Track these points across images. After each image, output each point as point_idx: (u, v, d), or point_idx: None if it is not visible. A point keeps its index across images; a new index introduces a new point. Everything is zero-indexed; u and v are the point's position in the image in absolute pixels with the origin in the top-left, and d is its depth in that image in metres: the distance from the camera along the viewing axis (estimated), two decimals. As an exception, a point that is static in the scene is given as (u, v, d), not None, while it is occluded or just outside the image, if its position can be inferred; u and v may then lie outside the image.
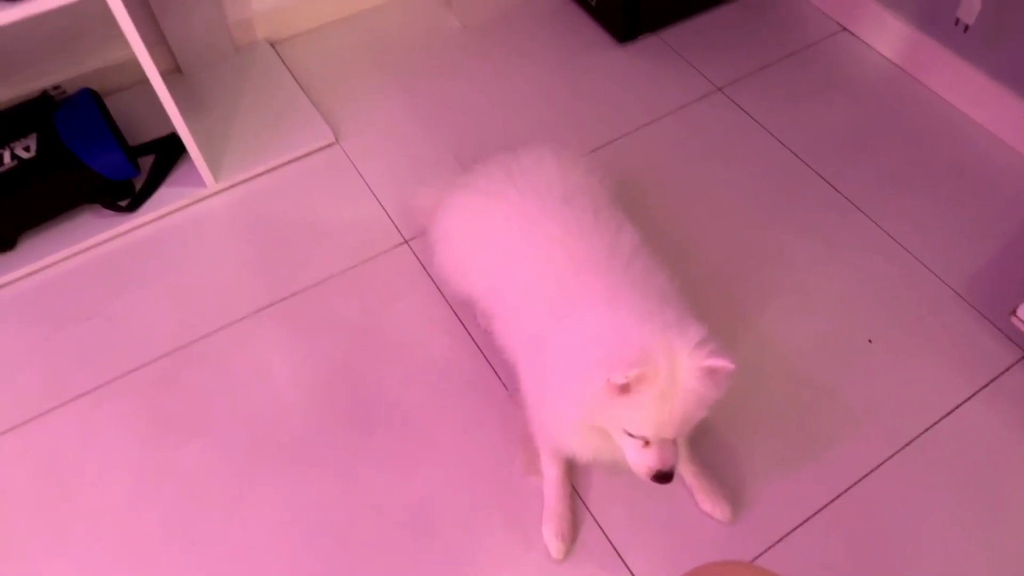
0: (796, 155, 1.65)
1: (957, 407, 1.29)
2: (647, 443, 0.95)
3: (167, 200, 1.57)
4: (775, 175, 1.62)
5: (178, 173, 1.61)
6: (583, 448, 1.06)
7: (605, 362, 0.89)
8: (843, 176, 1.61)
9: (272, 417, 1.30)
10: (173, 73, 1.79)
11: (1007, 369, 1.32)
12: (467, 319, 1.40)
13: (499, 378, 1.33)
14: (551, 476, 1.19)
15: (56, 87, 1.60)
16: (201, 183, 1.58)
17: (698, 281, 1.42)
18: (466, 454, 1.25)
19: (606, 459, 1.05)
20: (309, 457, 1.25)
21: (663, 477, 0.96)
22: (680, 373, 0.90)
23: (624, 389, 0.88)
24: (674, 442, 0.97)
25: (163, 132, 1.61)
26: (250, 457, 1.26)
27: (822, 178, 1.61)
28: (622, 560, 1.15)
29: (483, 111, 1.75)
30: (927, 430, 1.26)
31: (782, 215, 1.55)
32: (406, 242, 1.53)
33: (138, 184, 1.57)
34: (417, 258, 1.50)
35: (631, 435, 0.94)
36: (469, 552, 1.16)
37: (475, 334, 1.38)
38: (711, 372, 0.90)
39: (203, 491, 1.22)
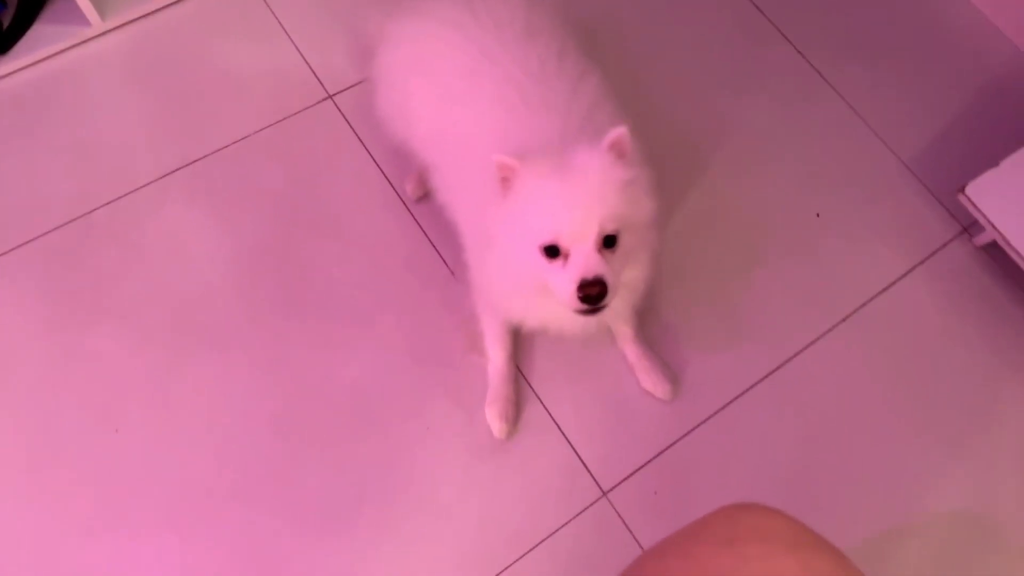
0: (762, 12, 1.53)
1: (894, 283, 1.30)
2: (566, 260, 0.86)
3: (44, 40, 1.35)
4: (739, 33, 1.51)
5: (55, 8, 1.37)
6: (526, 309, 1.01)
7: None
8: (808, 38, 1.51)
9: (192, 295, 1.20)
10: None
11: (944, 245, 1.34)
12: (404, 189, 1.29)
13: (440, 255, 1.25)
14: (495, 358, 1.16)
15: None
16: (84, 21, 1.35)
17: (652, 140, 1.34)
18: (405, 334, 1.20)
19: (551, 324, 1.02)
20: (235, 340, 1.18)
21: (590, 287, 0.83)
22: (580, 156, 0.85)
23: (507, 173, 0.85)
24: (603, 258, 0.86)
25: (29, -47, 1.34)
26: (170, 337, 1.17)
27: (787, 40, 1.51)
28: (564, 436, 1.15)
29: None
30: (863, 305, 1.28)
31: (741, 76, 1.46)
32: (330, 97, 1.37)
33: (6, 21, 1.33)
34: (344, 117, 1.35)
35: (550, 256, 0.86)
36: (412, 434, 1.14)
37: (412, 207, 1.28)
38: (615, 147, 0.86)
39: (121, 378, 1.14)
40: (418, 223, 1.27)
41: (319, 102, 1.36)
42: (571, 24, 1.11)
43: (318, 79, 1.38)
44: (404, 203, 1.29)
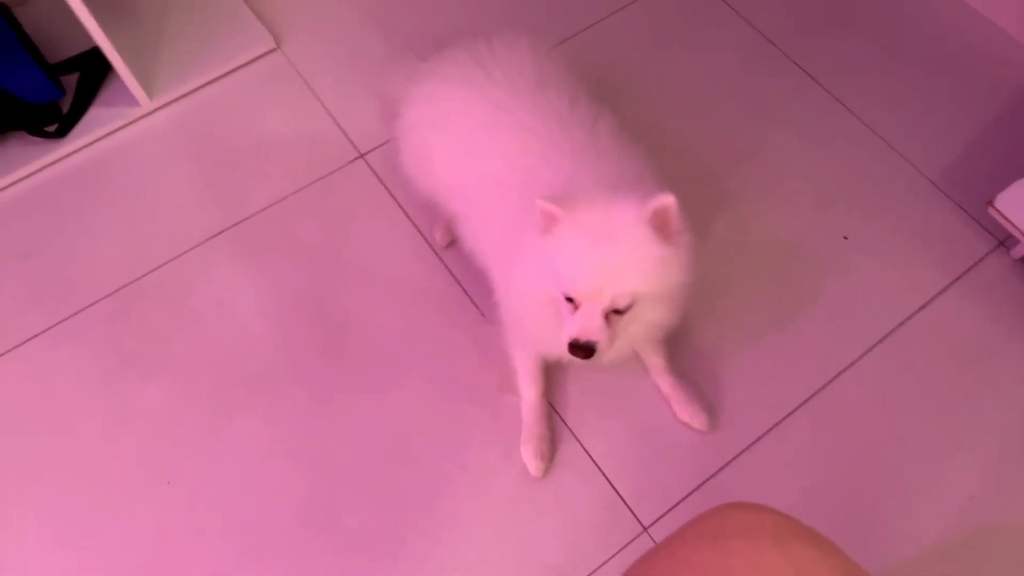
0: (770, 41, 1.56)
1: (931, 300, 1.28)
2: (576, 308, 0.89)
3: (99, 122, 1.45)
4: (750, 64, 1.54)
5: (108, 92, 1.48)
6: (553, 337, 1.01)
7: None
8: (818, 62, 1.53)
9: (237, 349, 1.25)
10: (89, -24, 1.61)
11: (981, 259, 1.31)
12: (433, 237, 1.34)
13: (469, 297, 1.29)
14: (528, 395, 1.17)
15: (-44, 0, 1.43)
16: (134, 102, 1.46)
17: (671, 176, 1.36)
18: (440, 376, 1.23)
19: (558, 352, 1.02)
20: (280, 388, 1.22)
21: (579, 348, 0.88)
22: (619, 221, 0.86)
23: (548, 219, 0.86)
24: (611, 325, 0.89)
25: (86, 46, 1.46)
26: (219, 391, 1.22)
27: (797, 65, 1.53)
28: (601, 472, 1.15)
29: (437, 2, 1.61)
30: (901, 325, 1.26)
31: (756, 105, 1.48)
32: (361, 156, 1.44)
33: (65, 106, 1.45)
34: (375, 173, 1.42)
35: (568, 299, 0.89)
36: (449, 473, 1.15)
37: (442, 254, 1.33)
38: (658, 216, 0.85)
39: (174, 429, 1.19)
40: (448, 268, 1.31)
41: (351, 161, 1.43)
42: (582, 70, 1.16)
43: (349, 140, 1.46)
44: (433, 250, 1.33)
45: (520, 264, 0.96)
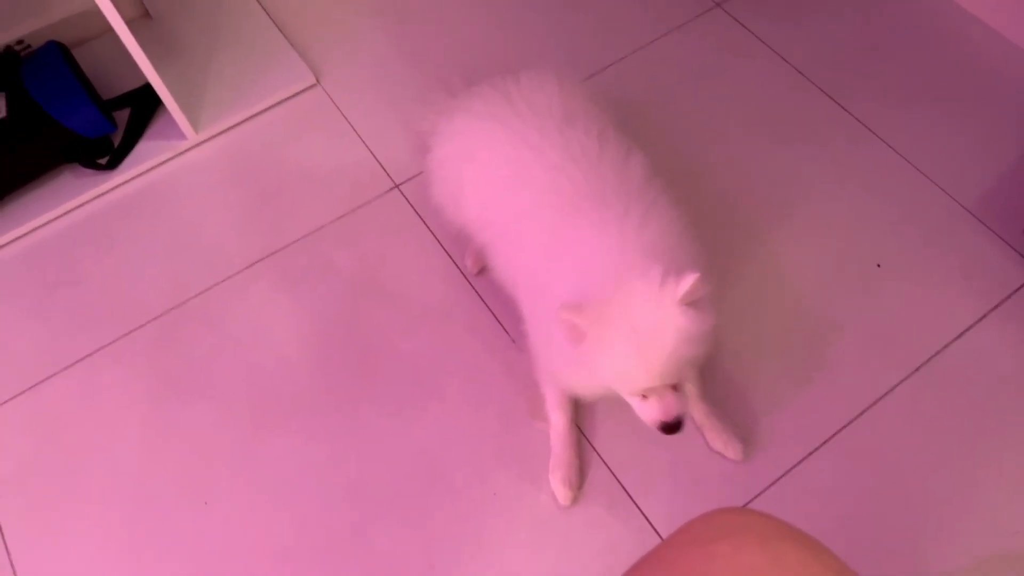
0: (801, 72, 1.57)
1: (968, 329, 1.26)
2: (645, 396, 0.92)
3: (147, 155, 1.52)
4: (780, 94, 1.55)
5: (157, 126, 1.55)
6: (589, 388, 1.04)
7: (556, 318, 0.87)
8: (850, 93, 1.53)
9: (274, 372, 1.29)
10: (142, 19, 1.70)
11: (1018, 288, 1.29)
12: (465, 264, 1.36)
13: (500, 324, 1.30)
14: (557, 423, 1.17)
15: (20, 42, 1.52)
16: (181, 135, 1.52)
17: (703, 209, 1.37)
18: (471, 401, 1.24)
19: (613, 395, 1.03)
20: (314, 412, 1.25)
21: (669, 428, 0.93)
22: (652, 314, 0.85)
23: (576, 330, 0.86)
24: (677, 389, 0.93)
25: (137, 83, 1.53)
26: (256, 413, 1.25)
27: (828, 96, 1.54)
28: (632, 500, 1.15)
29: (470, 40, 1.66)
30: (937, 354, 1.24)
31: (788, 136, 1.49)
32: (396, 187, 1.48)
33: (116, 140, 1.52)
34: (409, 203, 1.45)
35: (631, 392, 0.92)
36: (479, 498, 1.16)
37: (473, 280, 1.35)
38: (689, 298, 0.86)
39: (212, 450, 1.22)
40: (479, 295, 1.34)
41: (386, 191, 1.47)
42: (611, 104, 1.18)
43: (385, 171, 1.50)
44: (465, 277, 1.36)
45: (563, 354, 0.95)
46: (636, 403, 0.94)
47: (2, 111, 1.40)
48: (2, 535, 1.17)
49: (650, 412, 0.93)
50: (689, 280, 0.84)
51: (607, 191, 1.00)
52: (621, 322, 0.86)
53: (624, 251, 0.92)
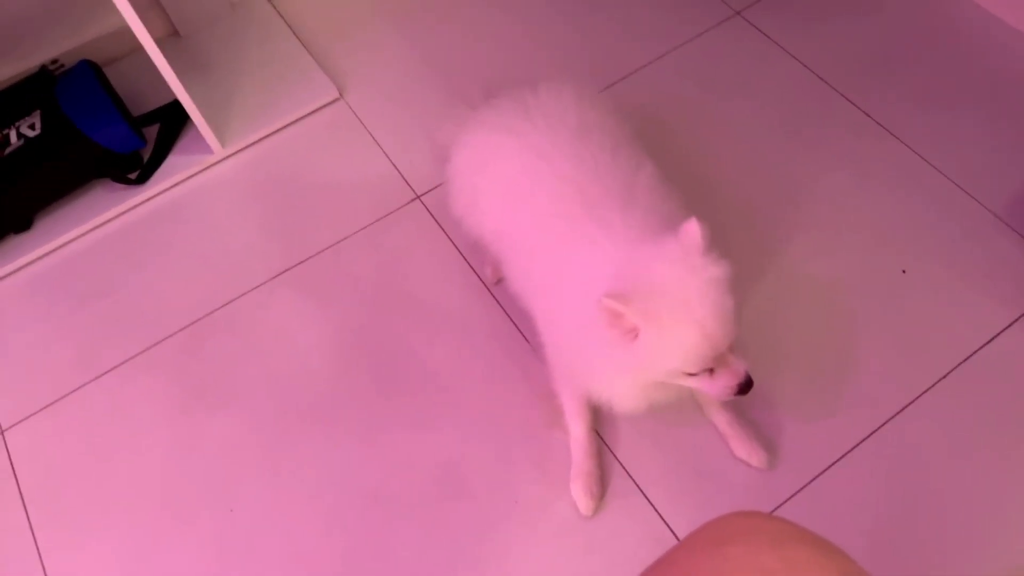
0: (822, 79, 1.56)
1: (996, 335, 1.24)
2: (711, 371, 0.91)
3: (176, 169, 1.55)
4: (801, 101, 1.54)
5: (185, 141, 1.59)
6: (623, 398, 1.02)
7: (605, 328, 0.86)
8: (872, 98, 1.52)
9: (298, 381, 1.30)
10: (171, 37, 1.75)
11: (1050, 293, 1.27)
12: (484, 273, 1.38)
13: (520, 331, 1.31)
14: (577, 433, 1.17)
15: (54, 61, 1.57)
16: (208, 150, 1.56)
17: (726, 217, 1.37)
18: (492, 408, 1.24)
19: (631, 406, 1.03)
20: (337, 420, 1.26)
21: (745, 387, 0.92)
22: (693, 280, 0.86)
23: (626, 333, 0.86)
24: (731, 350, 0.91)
25: (167, 99, 1.57)
26: (279, 422, 1.27)
27: (850, 102, 1.53)
28: (654, 509, 1.14)
29: (489, 52, 1.68)
30: (965, 360, 1.22)
31: (810, 143, 1.48)
32: (418, 198, 1.50)
33: (145, 155, 1.56)
34: (430, 213, 1.47)
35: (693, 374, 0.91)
36: (500, 506, 1.16)
37: (493, 288, 1.36)
38: (706, 243, 0.87)
39: (237, 458, 1.24)
40: (499, 303, 1.34)
41: (408, 202, 1.49)
42: (630, 113, 1.18)
43: (407, 182, 1.52)
44: (485, 285, 1.37)
45: (604, 360, 0.95)
46: (702, 382, 0.92)
47: (37, 128, 1.44)
48: (34, 540, 1.20)
49: (722, 381, 0.92)
50: (695, 227, 0.86)
51: (612, 201, 1.00)
52: (671, 301, 0.86)
53: (631, 260, 0.92)
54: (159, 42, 1.35)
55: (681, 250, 0.87)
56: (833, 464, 1.15)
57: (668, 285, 0.87)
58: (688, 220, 0.87)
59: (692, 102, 1.56)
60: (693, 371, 0.90)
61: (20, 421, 1.31)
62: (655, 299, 0.86)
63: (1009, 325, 1.24)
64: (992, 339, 1.24)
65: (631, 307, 0.84)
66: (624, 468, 1.18)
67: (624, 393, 1.00)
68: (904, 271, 1.32)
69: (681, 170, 1.09)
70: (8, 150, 1.43)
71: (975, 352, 1.23)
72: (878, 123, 1.49)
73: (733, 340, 0.90)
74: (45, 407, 1.32)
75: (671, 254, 0.88)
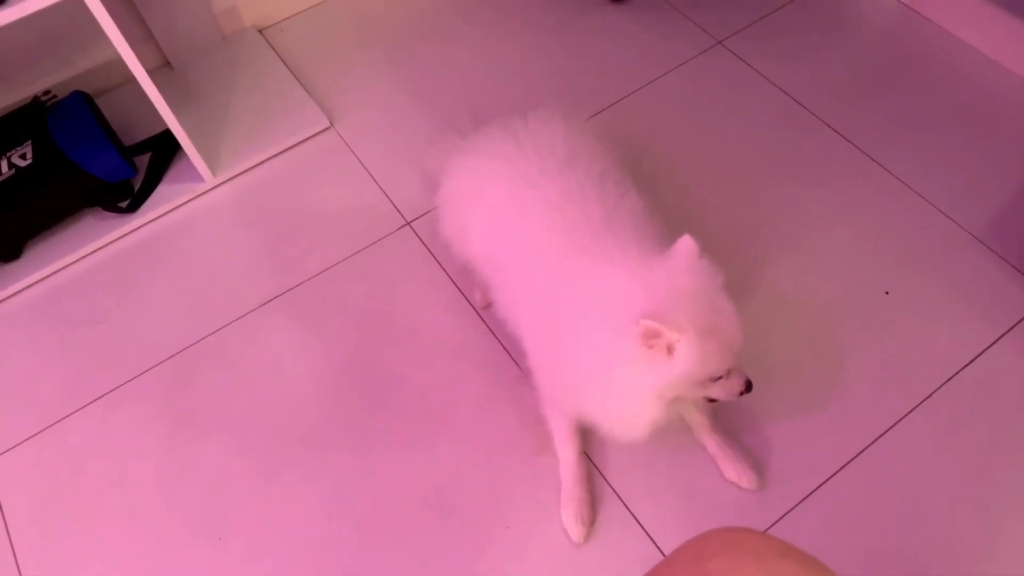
0: (803, 105, 1.60)
1: (979, 355, 1.26)
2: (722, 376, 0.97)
3: (166, 198, 1.56)
4: (782, 128, 1.58)
5: (176, 170, 1.60)
6: (635, 421, 1.01)
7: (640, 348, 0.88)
8: (852, 124, 1.56)
9: (288, 408, 1.30)
10: (163, 68, 1.77)
11: (1030, 312, 1.29)
12: (474, 297, 1.38)
13: (510, 355, 1.32)
14: (567, 458, 1.17)
15: (46, 92, 1.58)
16: (199, 178, 1.57)
17: (709, 241, 1.37)
18: (482, 433, 1.24)
19: (623, 431, 1.03)
20: (327, 445, 1.26)
21: (749, 386, 1.02)
22: (706, 288, 0.91)
23: (666, 350, 0.88)
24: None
25: (158, 129, 1.59)
26: (270, 449, 1.26)
27: (831, 128, 1.56)
28: (647, 533, 1.14)
29: (478, 80, 1.71)
30: (949, 380, 1.24)
31: (791, 169, 1.51)
32: (408, 224, 1.51)
33: (136, 184, 1.56)
34: (420, 239, 1.48)
35: (713, 380, 0.96)
36: (489, 531, 1.16)
37: (483, 313, 1.37)
38: (688, 255, 0.92)
39: (226, 485, 1.23)
40: (489, 328, 1.35)
41: (398, 228, 1.51)
42: (617, 140, 1.20)
43: (397, 209, 1.53)
44: (475, 311, 1.38)
45: (618, 384, 0.96)
46: (714, 388, 0.99)
47: (28, 158, 1.45)
48: (18, 569, 1.18)
49: (732, 385, 1.01)
50: (690, 241, 0.91)
51: (593, 229, 1.02)
52: (695, 311, 0.88)
53: (637, 279, 0.94)
54: (151, 73, 1.37)
55: (685, 262, 0.91)
56: (822, 484, 1.16)
57: (687, 296, 0.90)
58: (681, 237, 0.92)
59: (676, 129, 1.59)
60: (721, 374, 0.95)
61: (6, 451, 1.30)
62: (681, 311, 0.88)
63: (992, 343, 1.26)
64: (976, 358, 1.25)
65: (668, 323, 0.85)
66: (615, 492, 1.18)
67: (639, 412, 0.98)
68: (887, 292, 1.34)
69: (665, 195, 1.11)
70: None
71: (960, 371, 1.24)
72: (857, 147, 1.53)
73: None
74: (31, 436, 1.31)
75: (679, 267, 0.92)
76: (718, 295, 0.92)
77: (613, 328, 0.90)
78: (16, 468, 1.28)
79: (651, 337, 0.87)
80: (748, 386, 1.02)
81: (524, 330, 1.12)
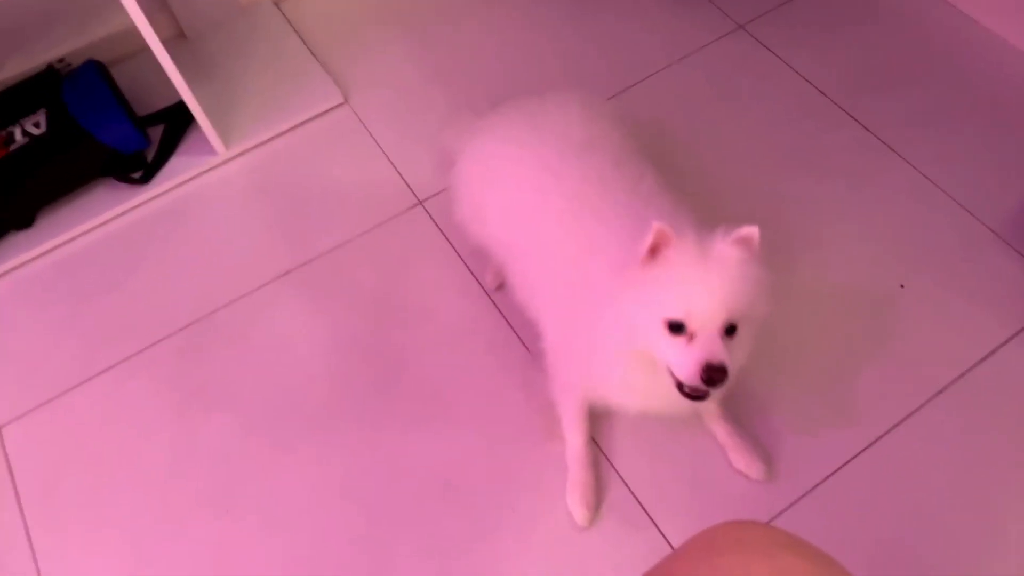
0: (823, 93, 1.58)
1: (994, 351, 1.24)
2: (691, 339, 0.87)
3: (179, 170, 1.55)
4: (802, 115, 1.55)
5: (189, 142, 1.59)
6: (619, 391, 1.02)
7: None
8: (872, 114, 1.53)
9: (296, 385, 1.30)
10: (177, 39, 1.75)
11: (1047, 310, 1.27)
12: (485, 279, 1.38)
13: (520, 339, 1.31)
14: (574, 443, 1.17)
15: (61, 60, 1.57)
16: (212, 151, 1.56)
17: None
18: (489, 416, 1.24)
19: (638, 404, 1.03)
20: (335, 424, 1.26)
21: (714, 372, 0.84)
22: (723, 246, 0.88)
23: (654, 249, 0.86)
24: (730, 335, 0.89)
25: (172, 100, 1.58)
26: (277, 425, 1.27)
27: (851, 116, 1.54)
28: (652, 520, 1.14)
29: (495, 59, 1.69)
30: (962, 376, 1.23)
31: (810, 157, 1.49)
32: (420, 203, 1.50)
33: (149, 155, 1.56)
34: (432, 219, 1.47)
35: (673, 331, 0.87)
36: (495, 514, 1.16)
37: (493, 295, 1.36)
38: (742, 241, 0.89)
39: (235, 460, 1.24)
40: (499, 310, 1.35)
41: (410, 208, 1.50)
42: (634, 123, 1.19)
43: (409, 188, 1.52)
44: (485, 292, 1.37)
45: (602, 316, 0.95)
46: (679, 352, 0.87)
47: (42, 126, 1.45)
48: (29, 541, 1.19)
49: (693, 355, 0.85)
50: (750, 229, 0.89)
51: (615, 213, 1.01)
52: (695, 245, 0.88)
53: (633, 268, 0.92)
54: (166, 43, 1.36)
55: (724, 236, 0.90)
56: (830, 476, 1.16)
57: (701, 247, 0.89)
58: (750, 226, 0.90)
59: (693, 114, 1.57)
60: (678, 315, 0.86)
61: (17, 418, 1.31)
62: (687, 247, 0.88)
63: (1007, 341, 1.25)
64: (989, 354, 1.24)
65: (673, 239, 0.86)
66: (621, 478, 1.18)
67: (624, 377, 0.98)
68: (903, 285, 1.32)
69: (682, 180, 1.10)
70: (13, 147, 1.43)
71: (972, 367, 1.23)
72: (879, 138, 1.50)
73: (737, 316, 0.88)
74: (42, 404, 1.32)
75: (722, 235, 0.90)
76: (733, 257, 0.89)
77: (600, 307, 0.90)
78: (28, 434, 1.29)
79: (658, 237, 0.86)
80: (711, 371, 0.85)
81: (540, 313, 1.12)
